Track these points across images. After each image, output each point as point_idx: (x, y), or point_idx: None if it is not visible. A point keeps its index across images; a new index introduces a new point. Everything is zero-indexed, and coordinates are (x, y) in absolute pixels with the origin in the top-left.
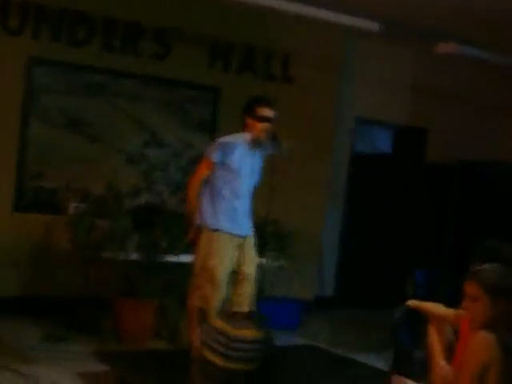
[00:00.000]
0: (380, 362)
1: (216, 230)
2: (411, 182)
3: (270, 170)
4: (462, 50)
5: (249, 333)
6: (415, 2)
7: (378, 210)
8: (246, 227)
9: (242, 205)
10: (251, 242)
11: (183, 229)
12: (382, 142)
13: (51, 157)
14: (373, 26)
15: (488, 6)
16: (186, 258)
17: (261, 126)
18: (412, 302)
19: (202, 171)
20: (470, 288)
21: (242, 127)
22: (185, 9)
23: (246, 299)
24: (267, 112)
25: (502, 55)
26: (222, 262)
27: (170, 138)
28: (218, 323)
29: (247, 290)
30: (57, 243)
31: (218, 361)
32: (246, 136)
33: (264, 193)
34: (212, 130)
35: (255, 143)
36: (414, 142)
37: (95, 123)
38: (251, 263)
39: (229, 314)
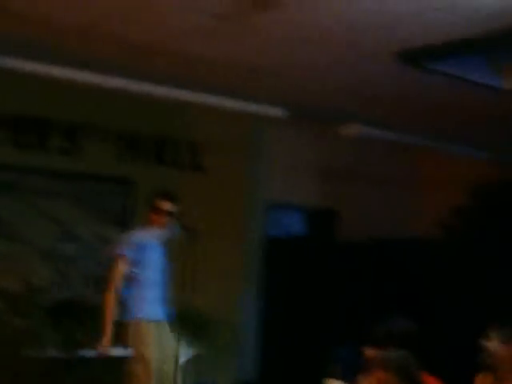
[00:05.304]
0: None
1: (142, 320)
2: (325, 262)
3: (181, 260)
4: (364, 130)
5: None
6: (315, 86)
7: (296, 291)
8: (163, 312)
9: (159, 293)
10: (168, 327)
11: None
12: (294, 225)
13: None
14: (277, 111)
15: (383, 89)
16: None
17: (159, 218)
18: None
19: (118, 274)
20: (382, 375)
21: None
22: (93, 103)
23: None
24: (166, 205)
25: (405, 134)
26: (154, 349)
27: (83, 232)
28: None
29: (174, 378)
30: None
31: None
32: (151, 230)
33: (177, 283)
34: (125, 222)
35: (161, 236)
36: (324, 223)
37: (7, 220)
38: (171, 347)
39: None
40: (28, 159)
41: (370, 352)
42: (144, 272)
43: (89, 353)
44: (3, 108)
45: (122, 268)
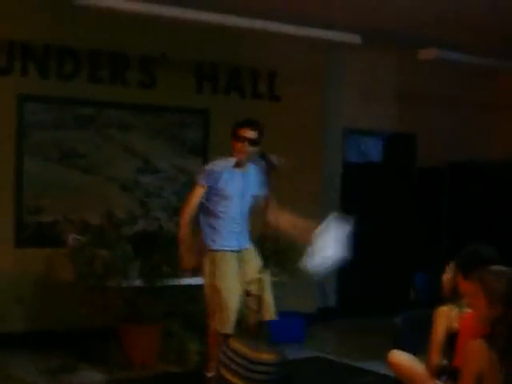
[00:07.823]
0: (385, 369)
1: (218, 251)
2: (403, 187)
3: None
4: (443, 54)
5: (268, 356)
6: (392, 10)
7: (373, 218)
8: (243, 242)
9: (239, 226)
10: (251, 252)
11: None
12: (372, 151)
13: (47, 190)
14: (353, 37)
15: (465, 10)
16: (187, 281)
17: (241, 146)
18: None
19: (194, 198)
20: (471, 286)
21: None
22: (169, 36)
23: (266, 307)
24: (248, 133)
25: (483, 57)
26: (230, 281)
27: (162, 164)
28: (237, 345)
29: (265, 298)
30: (59, 276)
31: (238, 382)
32: (231, 159)
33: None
34: (204, 152)
35: (239, 164)
36: (403, 148)
37: (88, 154)
38: (258, 272)
39: (246, 335)
40: (105, 93)
41: (449, 278)
42: (222, 202)
43: (171, 281)
44: (81, 44)
45: (198, 196)
